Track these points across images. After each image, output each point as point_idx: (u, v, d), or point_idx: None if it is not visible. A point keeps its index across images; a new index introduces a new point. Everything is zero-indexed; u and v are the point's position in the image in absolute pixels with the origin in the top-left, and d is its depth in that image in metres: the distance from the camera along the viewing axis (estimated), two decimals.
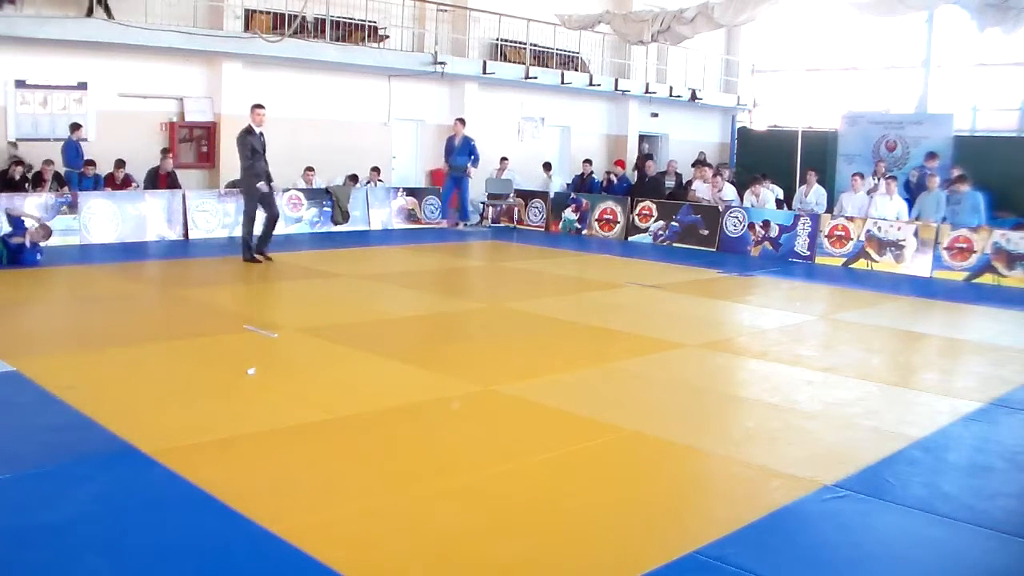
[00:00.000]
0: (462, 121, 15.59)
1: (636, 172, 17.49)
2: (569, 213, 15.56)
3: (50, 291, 8.85)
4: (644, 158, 17.97)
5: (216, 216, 13.14)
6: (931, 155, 15.17)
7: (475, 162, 15.26)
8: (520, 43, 19.04)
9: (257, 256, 10.62)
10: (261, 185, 10.48)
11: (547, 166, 18.48)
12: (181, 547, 3.31)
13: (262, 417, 4.84)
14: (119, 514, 3.59)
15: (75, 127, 13.06)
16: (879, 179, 14.14)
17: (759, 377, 6.22)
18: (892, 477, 4.25)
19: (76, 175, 12.90)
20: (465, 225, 15.58)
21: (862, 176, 13.84)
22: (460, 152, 15.12)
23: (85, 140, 13.56)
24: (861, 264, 12.25)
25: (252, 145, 10.40)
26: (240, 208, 13.27)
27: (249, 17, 15.10)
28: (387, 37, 16.84)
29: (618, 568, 3.28)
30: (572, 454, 4.47)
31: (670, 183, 17.35)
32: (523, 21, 18.70)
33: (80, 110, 13.82)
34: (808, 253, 12.78)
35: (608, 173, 17.08)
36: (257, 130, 10.48)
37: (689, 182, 16.15)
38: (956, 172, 13.12)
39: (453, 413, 5.20)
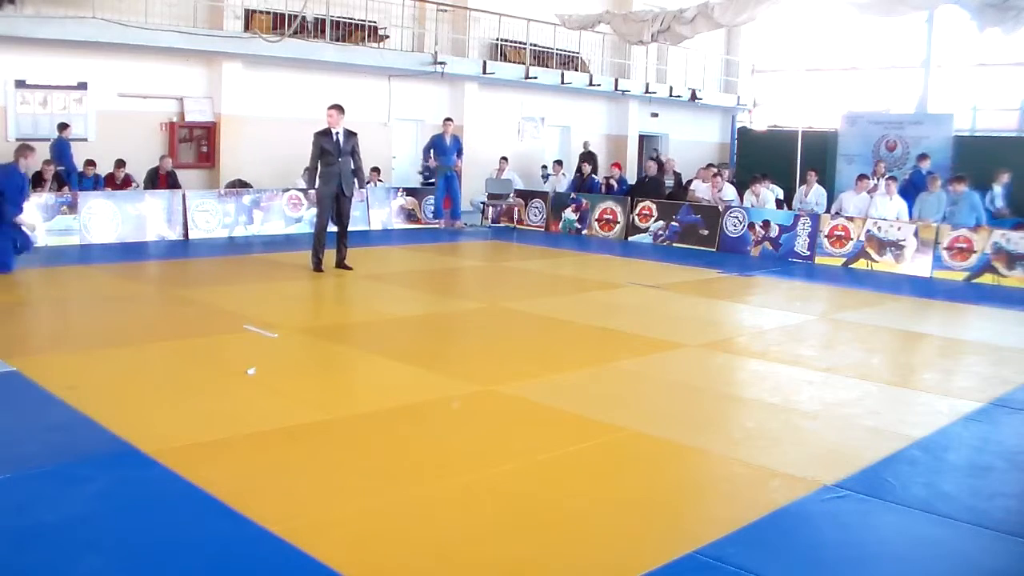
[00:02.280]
0: (451, 120, 15.69)
1: (577, 175, 17.45)
2: (569, 213, 15.56)
3: (50, 291, 8.85)
4: (587, 156, 17.95)
5: (216, 216, 13.13)
6: (922, 156, 15.20)
7: (460, 154, 15.48)
8: (520, 43, 19.05)
9: (338, 267, 10.15)
10: (320, 188, 9.91)
11: (559, 163, 18.44)
12: (181, 547, 3.31)
13: (262, 417, 4.84)
14: (119, 514, 3.59)
15: (63, 126, 13.03)
16: (879, 179, 14.14)
17: (759, 377, 6.22)
18: (892, 477, 4.25)
19: (76, 175, 12.90)
20: (466, 225, 15.60)
21: (867, 178, 13.84)
22: (451, 151, 15.21)
23: (84, 140, 13.57)
24: (861, 264, 12.25)
25: (322, 147, 9.86)
26: (241, 209, 13.33)
27: (249, 17, 15.11)
28: (387, 37, 16.85)
29: (618, 568, 3.28)
30: (572, 454, 4.47)
31: (669, 183, 17.34)
32: (523, 21, 18.71)
33: (80, 110, 13.84)
34: (808, 253, 12.78)
35: (607, 178, 17.07)
36: (334, 131, 9.89)
37: (689, 182, 16.17)
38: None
39: (453, 413, 5.20)
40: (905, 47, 22.08)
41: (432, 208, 15.57)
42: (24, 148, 9.62)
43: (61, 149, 12.89)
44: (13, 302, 8.06)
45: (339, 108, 9.98)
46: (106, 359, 6.06)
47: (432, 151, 15.28)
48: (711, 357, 6.74)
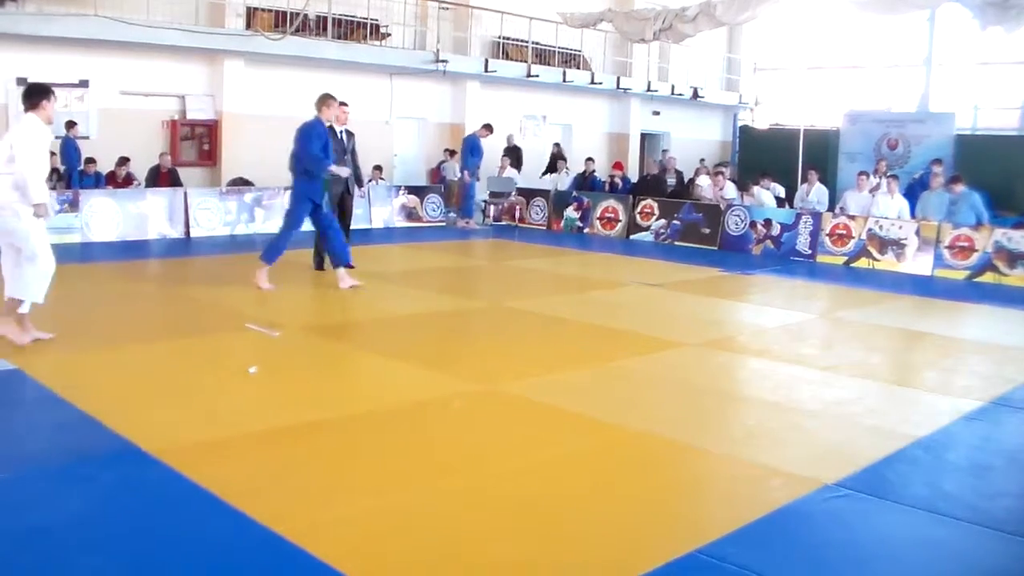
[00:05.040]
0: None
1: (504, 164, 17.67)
2: (571, 211, 15.56)
3: (51, 290, 8.83)
4: (510, 151, 17.95)
5: (218, 214, 13.14)
6: (936, 162, 15.17)
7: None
8: (522, 41, 19.03)
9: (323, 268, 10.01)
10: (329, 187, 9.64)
11: (563, 160, 18.38)
12: (183, 546, 3.31)
13: (264, 416, 4.84)
14: (121, 513, 3.59)
15: (70, 124, 13.02)
16: (880, 178, 14.13)
17: (760, 376, 6.23)
18: (893, 476, 4.25)
19: (78, 173, 12.91)
20: (467, 223, 15.61)
21: (867, 175, 13.82)
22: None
23: (86, 137, 13.57)
24: (862, 263, 12.25)
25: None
26: (243, 207, 13.34)
27: (251, 15, 15.11)
28: (389, 35, 16.84)
29: (618, 568, 3.28)
30: (573, 454, 4.48)
31: (670, 181, 17.34)
32: (525, 19, 18.69)
33: (82, 108, 13.83)
34: (809, 252, 12.77)
35: (611, 177, 17.08)
36: (339, 129, 9.65)
37: (691, 180, 16.17)
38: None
39: (455, 412, 5.20)
40: (907, 46, 22.05)
41: (433, 206, 15.57)
42: (326, 97, 9.04)
43: (69, 147, 12.91)
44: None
45: (346, 105, 9.97)
46: (108, 357, 6.06)
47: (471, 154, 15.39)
48: (712, 356, 6.74)
